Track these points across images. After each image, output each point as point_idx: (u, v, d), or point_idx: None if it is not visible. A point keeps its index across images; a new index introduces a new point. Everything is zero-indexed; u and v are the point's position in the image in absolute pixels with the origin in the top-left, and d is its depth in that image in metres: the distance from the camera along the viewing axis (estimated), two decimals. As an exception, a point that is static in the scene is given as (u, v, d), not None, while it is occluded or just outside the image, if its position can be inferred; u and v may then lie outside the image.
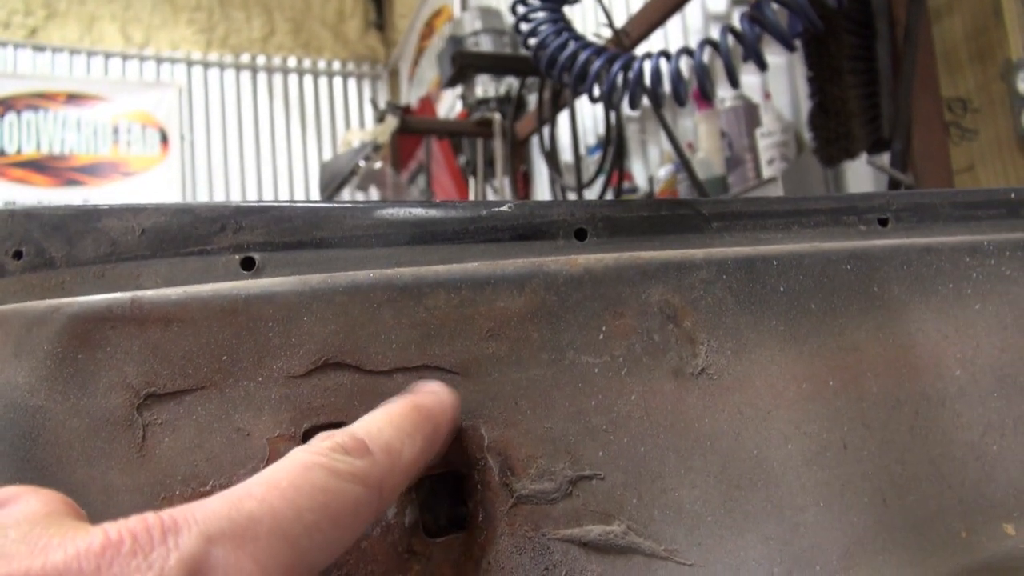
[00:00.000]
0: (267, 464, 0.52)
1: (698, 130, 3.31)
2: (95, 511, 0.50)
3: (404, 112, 5.06)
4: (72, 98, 6.34)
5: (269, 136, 7.00)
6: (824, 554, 0.58)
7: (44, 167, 6.15)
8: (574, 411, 0.56)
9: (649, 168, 3.94)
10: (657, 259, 0.60)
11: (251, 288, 0.54)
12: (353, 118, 7.44)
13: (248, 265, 0.62)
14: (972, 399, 0.66)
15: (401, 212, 0.64)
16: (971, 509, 0.63)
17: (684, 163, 2.86)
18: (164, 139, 6.52)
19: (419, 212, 0.64)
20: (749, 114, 2.99)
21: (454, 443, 0.54)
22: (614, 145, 3.56)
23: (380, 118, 4.64)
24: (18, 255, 0.63)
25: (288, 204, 0.64)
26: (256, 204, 0.63)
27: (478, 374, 0.56)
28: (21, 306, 0.53)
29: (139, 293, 0.53)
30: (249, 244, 0.62)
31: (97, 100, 6.41)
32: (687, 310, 0.60)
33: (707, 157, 3.18)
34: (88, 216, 0.63)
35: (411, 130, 4.46)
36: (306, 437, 0.54)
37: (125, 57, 6.62)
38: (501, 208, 0.65)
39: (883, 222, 0.71)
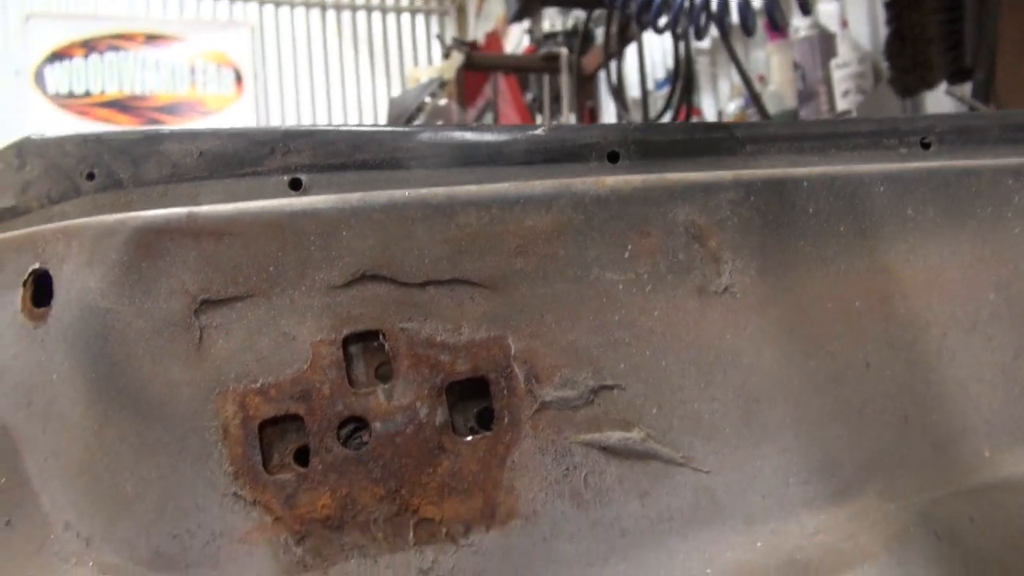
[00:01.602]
0: (311, 367, 0.57)
1: (770, 62, 3.19)
2: (160, 402, 0.55)
3: (471, 48, 5.03)
4: (151, 39, 6.52)
5: (339, 73, 7.07)
6: (841, 467, 0.60)
7: (127, 107, 6.39)
8: (598, 325, 0.59)
9: (719, 102, 3.84)
10: (684, 180, 0.62)
11: (295, 204, 0.58)
12: (421, 54, 7.43)
13: (296, 185, 0.66)
14: (1005, 323, 0.65)
15: (438, 136, 0.67)
16: (997, 430, 0.63)
17: (753, 97, 2.78)
18: (238, 78, 6.67)
19: (455, 136, 0.67)
20: (824, 44, 2.87)
21: (483, 350, 0.58)
22: (683, 79, 3.48)
23: (446, 54, 4.63)
24: (90, 176, 0.69)
25: (332, 128, 0.67)
26: (303, 128, 0.67)
27: (506, 288, 0.59)
28: (93, 219, 0.59)
29: (195, 208, 0.58)
30: (297, 166, 0.66)
31: (174, 40, 6.58)
32: (713, 230, 0.61)
33: (778, 90, 3.08)
34: (151, 140, 0.68)
35: (477, 66, 4.43)
36: (346, 343, 0.59)
37: (200, -3, 6.75)
38: (535, 132, 0.67)
39: (926, 145, 0.70)
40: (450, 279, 0.58)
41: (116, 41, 6.47)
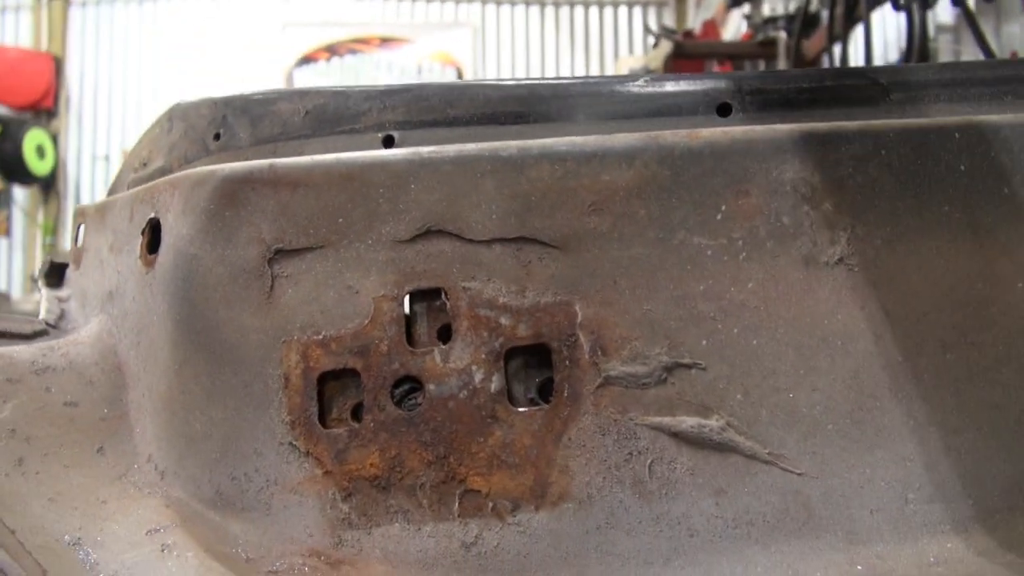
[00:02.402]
0: (372, 322, 0.56)
1: (1027, 35, 2.75)
2: (231, 347, 0.57)
3: (684, 36, 4.87)
4: (384, 41, 7.05)
5: (554, 66, 7.18)
6: (982, 486, 0.48)
7: (361, 105, 6.96)
8: (679, 295, 0.52)
9: (961, 85, 3.37)
10: (796, 132, 0.52)
11: (366, 157, 0.57)
12: (637, 46, 7.33)
13: (389, 143, 0.65)
14: None
15: (530, 91, 0.63)
16: None
17: (1000, 75, 2.41)
18: (459, 75, 7.00)
19: (547, 91, 0.62)
20: (1098, 10, 2.41)
21: (546, 316, 0.53)
22: (916, 59, 3.10)
23: (655, 44, 4.51)
24: (217, 136, 0.73)
25: (427, 84, 0.65)
26: (399, 85, 0.66)
27: (577, 249, 0.53)
28: (191, 171, 0.62)
29: (277, 160, 0.59)
30: (391, 123, 0.65)
31: (404, 42, 7.05)
32: (828, 190, 0.51)
33: (1035, 67, 2.64)
34: (267, 100, 0.71)
35: (686, 54, 4.27)
36: (412, 302, 0.57)
37: (428, 0, 7.17)
38: (635, 83, 0.61)
39: None
40: (517, 237, 0.54)
41: (355, 45, 7.06)
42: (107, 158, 6.47)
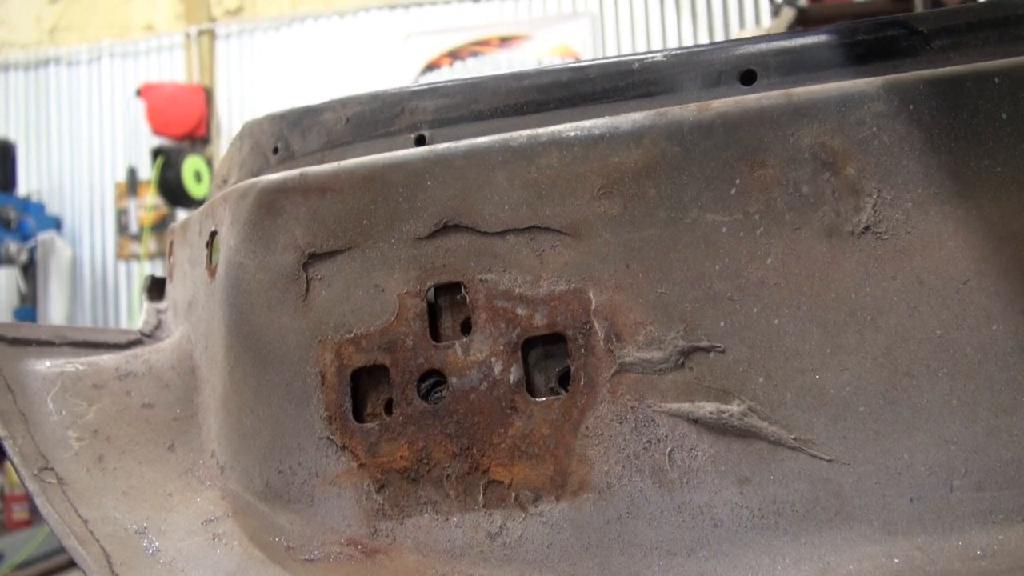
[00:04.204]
0: (397, 318, 0.57)
1: None
2: (273, 348, 0.60)
3: (812, 0, 4.60)
4: (504, 41, 7.15)
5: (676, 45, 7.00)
6: (1039, 473, 0.43)
7: (485, 106, 7.09)
8: (693, 276, 0.50)
9: None
10: (814, 94, 0.49)
11: (386, 158, 0.58)
12: (765, 22, 7.01)
13: (420, 142, 0.67)
14: None
15: (549, 77, 0.62)
16: None
17: None
18: (579, 67, 7.00)
19: (567, 75, 0.61)
20: None
21: (561, 304, 0.53)
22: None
23: (775, 12, 4.29)
24: (275, 150, 0.77)
25: (452, 81, 0.66)
26: (427, 85, 0.67)
27: (588, 235, 0.52)
28: (238, 184, 0.66)
29: (307, 168, 0.61)
30: (421, 123, 0.67)
31: (524, 39, 7.12)
32: (851, 154, 0.47)
33: None
34: (315, 112, 0.74)
35: (810, 21, 4.03)
36: (437, 297, 0.58)
37: (546, -6, 7.20)
38: (653, 59, 0.59)
39: None
40: (530, 226, 0.54)
41: (476, 48, 7.19)
42: (256, 177, 6.93)
